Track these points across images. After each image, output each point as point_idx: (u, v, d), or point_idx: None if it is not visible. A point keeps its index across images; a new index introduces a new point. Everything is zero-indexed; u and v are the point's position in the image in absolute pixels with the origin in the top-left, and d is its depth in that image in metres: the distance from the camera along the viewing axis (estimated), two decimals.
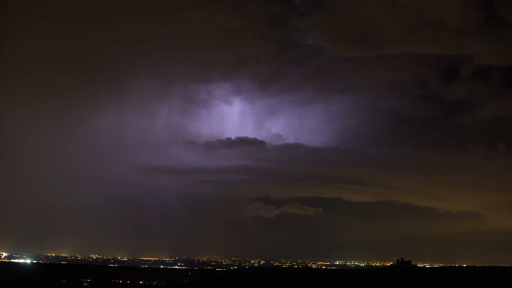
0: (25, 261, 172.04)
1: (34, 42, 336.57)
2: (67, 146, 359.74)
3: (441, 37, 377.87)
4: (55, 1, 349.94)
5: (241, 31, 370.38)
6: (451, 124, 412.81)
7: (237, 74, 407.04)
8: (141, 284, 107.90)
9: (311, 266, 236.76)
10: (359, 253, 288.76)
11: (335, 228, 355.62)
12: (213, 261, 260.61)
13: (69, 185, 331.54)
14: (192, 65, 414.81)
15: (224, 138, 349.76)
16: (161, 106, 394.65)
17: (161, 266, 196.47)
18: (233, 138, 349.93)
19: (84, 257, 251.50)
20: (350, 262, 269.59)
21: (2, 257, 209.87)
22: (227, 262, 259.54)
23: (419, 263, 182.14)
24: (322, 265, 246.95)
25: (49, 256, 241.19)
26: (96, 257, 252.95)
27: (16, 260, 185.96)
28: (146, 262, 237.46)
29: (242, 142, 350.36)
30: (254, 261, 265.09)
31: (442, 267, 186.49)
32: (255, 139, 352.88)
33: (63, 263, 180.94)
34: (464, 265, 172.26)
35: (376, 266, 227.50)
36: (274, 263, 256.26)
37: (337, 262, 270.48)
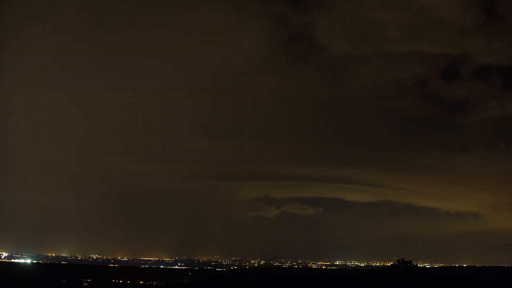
0: (25, 261, 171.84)
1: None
2: (67, 146, 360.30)
3: (441, 36, 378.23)
4: None
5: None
6: (451, 124, 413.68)
7: None
8: (141, 284, 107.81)
9: (311, 266, 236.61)
10: (359, 253, 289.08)
11: (335, 228, 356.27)
12: (213, 261, 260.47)
13: (69, 185, 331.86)
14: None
15: None
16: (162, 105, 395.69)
17: (161, 266, 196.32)
18: None
19: (84, 257, 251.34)
20: (350, 262, 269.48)
21: (2, 257, 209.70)
22: (227, 262, 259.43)
23: (419, 263, 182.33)
24: (322, 265, 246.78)
25: (49, 256, 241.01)
26: (96, 257, 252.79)
27: (16, 260, 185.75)
28: (146, 262, 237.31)
29: None
30: (254, 261, 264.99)
31: (442, 267, 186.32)
32: None
33: (63, 263, 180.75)
34: (464, 265, 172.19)
35: (376, 266, 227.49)
36: (274, 263, 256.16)
37: (337, 262, 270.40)
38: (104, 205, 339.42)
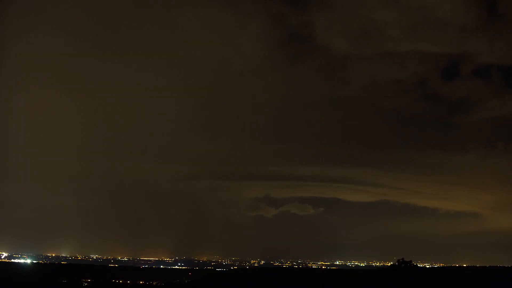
0: (25, 261, 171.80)
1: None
2: (67, 146, 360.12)
3: (441, 36, 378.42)
4: None
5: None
6: (451, 123, 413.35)
7: None
8: (141, 284, 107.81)
9: (311, 266, 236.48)
10: (359, 253, 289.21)
11: (335, 228, 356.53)
12: (213, 261, 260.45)
13: (69, 185, 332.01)
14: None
15: None
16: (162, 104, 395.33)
17: (161, 266, 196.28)
18: None
19: (84, 257, 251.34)
20: (350, 262, 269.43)
21: (2, 257, 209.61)
22: (227, 262, 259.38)
23: (419, 263, 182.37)
24: (322, 265, 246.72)
25: (49, 256, 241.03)
26: (96, 257, 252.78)
27: (16, 260, 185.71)
28: (146, 262, 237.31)
29: None
30: (254, 261, 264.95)
31: (442, 267, 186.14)
32: None
33: (63, 263, 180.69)
34: (464, 265, 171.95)
35: (376, 266, 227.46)
36: (274, 263, 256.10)
37: (337, 262, 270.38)
38: (104, 205, 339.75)
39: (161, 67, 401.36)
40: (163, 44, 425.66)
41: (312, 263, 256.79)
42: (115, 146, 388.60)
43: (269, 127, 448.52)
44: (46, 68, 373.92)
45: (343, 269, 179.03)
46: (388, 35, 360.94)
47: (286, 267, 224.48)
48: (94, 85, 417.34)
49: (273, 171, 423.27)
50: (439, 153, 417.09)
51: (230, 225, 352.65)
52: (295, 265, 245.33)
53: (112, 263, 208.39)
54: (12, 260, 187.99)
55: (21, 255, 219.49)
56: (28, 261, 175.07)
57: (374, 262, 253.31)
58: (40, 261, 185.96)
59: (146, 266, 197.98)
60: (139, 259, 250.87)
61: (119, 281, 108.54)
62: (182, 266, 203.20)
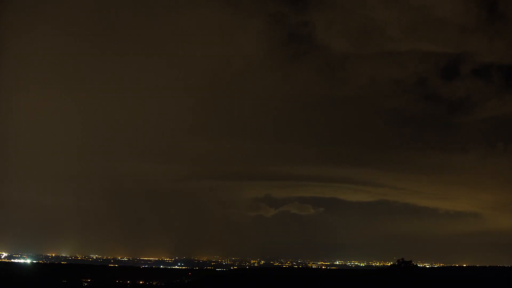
0: (25, 261, 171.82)
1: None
2: (67, 146, 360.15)
3: (441, 35, 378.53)
4: None
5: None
6: (451, 123, 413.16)
7: None
8: (141, 284, 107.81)
9: (311, 266, 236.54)
10: (359, 253, 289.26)
11: (335, 228, 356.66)
12: (213, 261, 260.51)
13: (69, 185, 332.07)
14: None
15: None
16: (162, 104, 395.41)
17: (161, 266, 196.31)
18: None
19: (84, 257, 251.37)
20: (350, 262, 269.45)
21: (2, 257, 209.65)
22: (227, 262, 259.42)
23: (419, 263, 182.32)
24: (322, 265, 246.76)
25: (49, 256, 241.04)
26: (96, 257, 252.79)
27: (16, 260, 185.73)
28: (146, 262, 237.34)
29: None
30: (254, 261, 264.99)
31: (442, 267, 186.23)
32: None
33: (63, 263, 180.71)
34: (464, 265, 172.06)
35: (376, 266, 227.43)
36: (274, 263, 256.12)
37: (337, 262, 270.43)
38: (104, 205, 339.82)
39: (161, 67, 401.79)
40: (163, 44, 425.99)
41: (312, 263, 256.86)
42: (115, 146, 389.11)
43: (269, 127, 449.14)
44: (46, 68, 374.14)
45: (343, 269, 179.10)
46: (388, 35, 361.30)
47: (286, 267, 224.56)
48: (94, 85, 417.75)
49: (273, 171, 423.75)
50: (439, 153, 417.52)
51: (230, 225, 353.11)
52: (295, 265, 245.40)
53: (112, 263, 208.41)
54: (12, 260, 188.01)
55: (21, 255, 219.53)
56: (28, 261, 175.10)
57: (374, 262, 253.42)
58: (40, 261, 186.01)
59: (146, 266, 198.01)
60: (139, 259, 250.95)
61: (119, 281, 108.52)
62: (182, 266, 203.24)
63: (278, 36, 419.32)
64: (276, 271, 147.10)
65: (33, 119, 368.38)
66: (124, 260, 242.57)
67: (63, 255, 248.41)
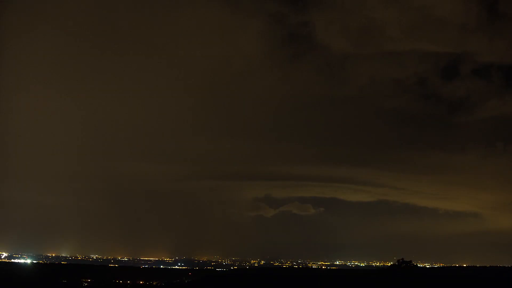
0: (25, 261, 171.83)
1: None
2: (67, 146, 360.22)
3: (442, 35, 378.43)
4: None
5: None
6: (451, 123, 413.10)
7: None
8: (141, 284, 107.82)
9: (311, 266, 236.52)
10: (359, 253, 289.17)
11: (335, 228, 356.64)
12: (213, 261, 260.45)
13: (69, 185, 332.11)
14: None
15: None
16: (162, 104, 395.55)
17: (161, 266, 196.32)
18: None
19: (84, 257, 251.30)
20: (350, 262, 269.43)
21: (2, 257, 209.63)
22: (227, 262, 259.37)
23: (419, 263, 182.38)
24: (322, 265, 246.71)
25: (49, 256, 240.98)
26: (96, 257, 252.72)
27: (16, 260, 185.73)
28: (146, 262, 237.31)
29: None
30: (254, 261, 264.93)
31: (442, 267, 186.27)
32: None
33: (63, 263, 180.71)
34: (464, 265, 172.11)
35: (376, 266, 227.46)
36: (274, 263, 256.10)
37: (337, 262, 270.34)
38: (104, 205, 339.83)
39: (161, 67, 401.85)
40: (163, 44, 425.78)
41: (312, 263, 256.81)
42: (115, 146, 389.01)
43: (269, 127, 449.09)
44: (46, 68, 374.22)
45: (343, 269, 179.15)
46: (388, 34, 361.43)
47: (286, 267, 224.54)
48: (94, 85, 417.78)
49: (273, 171, 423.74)
50: (439, 153, 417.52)
51: (230, 225, 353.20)
52: (295, 265, 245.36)
53: (112, 263, 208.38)
54: (12, 260, 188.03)
55: (21, 255, 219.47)
56: (28, 261, 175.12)
57: (374, 262, 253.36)
58: (40, 261, 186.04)
59: (146, 266, 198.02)
60: (139, 259, 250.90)
61: (119, 281, 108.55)
62: (182, 266, 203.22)
63: (278, 36, 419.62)
64: (276, 271, 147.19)
65: (33, 119, 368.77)
66: (124, 260, 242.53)
67: (63, 255, 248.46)
